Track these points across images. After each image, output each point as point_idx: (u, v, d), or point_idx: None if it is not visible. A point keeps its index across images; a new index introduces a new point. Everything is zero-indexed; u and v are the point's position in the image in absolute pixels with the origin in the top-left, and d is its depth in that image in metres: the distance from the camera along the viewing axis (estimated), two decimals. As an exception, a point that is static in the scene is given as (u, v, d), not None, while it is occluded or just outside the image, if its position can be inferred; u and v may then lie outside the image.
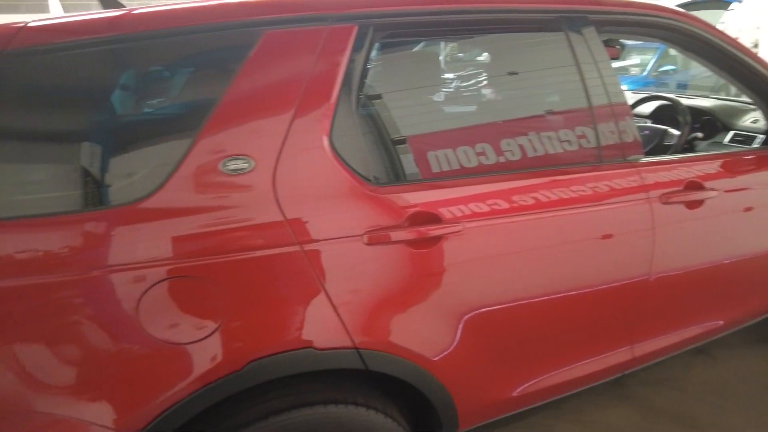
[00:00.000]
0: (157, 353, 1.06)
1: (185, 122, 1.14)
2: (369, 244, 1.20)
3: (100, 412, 1.06)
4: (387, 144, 1.34)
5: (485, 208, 1.32)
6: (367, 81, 1.33)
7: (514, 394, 1.51)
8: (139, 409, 1.07)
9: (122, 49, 1.14)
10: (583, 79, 1.49)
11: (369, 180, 1.23)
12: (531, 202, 1.38)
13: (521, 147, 1.44)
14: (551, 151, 1.47)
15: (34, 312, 1.01)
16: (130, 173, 1.10)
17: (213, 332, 1.09)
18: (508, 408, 1.55)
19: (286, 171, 1.15)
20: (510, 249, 1.37)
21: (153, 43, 1.14)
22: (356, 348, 1.21)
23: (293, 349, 1.15)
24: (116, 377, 1.05)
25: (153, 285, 1.05)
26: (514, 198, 1.36)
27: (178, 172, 1.08)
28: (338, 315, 1.18)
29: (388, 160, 1.32)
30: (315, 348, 1.17)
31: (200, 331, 1.08)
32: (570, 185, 1.44)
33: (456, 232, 1.27)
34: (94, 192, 1.09)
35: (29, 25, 1.09)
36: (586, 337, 1.61)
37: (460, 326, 1.34)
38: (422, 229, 1.24)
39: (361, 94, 1.29)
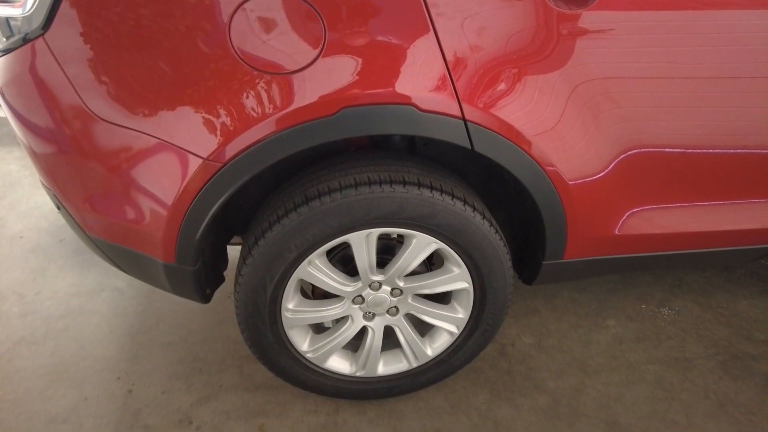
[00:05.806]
0: (246, 78, 0.96)
1: None
2: (502, -12, 0.95)
3: (186, 136, 1.00)
4: None
5: None
6: None
7: (628, 233, 1.28)
8: (227, 137, 0.99)
9: None
10: None
11: None
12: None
13: None
14: None
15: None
16: None
17: (307, 66, 0.96)
18: (614, 250, 1.33)
19: None
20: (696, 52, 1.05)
21: None
22: (464, 120, 1.02)
23: (392, 103, 0.99)
24: (202, 96, 0.98)
25: (248, -2, 0.92)
26: None
27: None
28: (450, 74, 0.99)
29: None
30: (417, 107, 1.00)
31: (294, 62, 0.96)
32: None
33: None
34: None
35: None
36: (729, 180, 1.29)
37: (611, 138, 1.10)
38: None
39: None
